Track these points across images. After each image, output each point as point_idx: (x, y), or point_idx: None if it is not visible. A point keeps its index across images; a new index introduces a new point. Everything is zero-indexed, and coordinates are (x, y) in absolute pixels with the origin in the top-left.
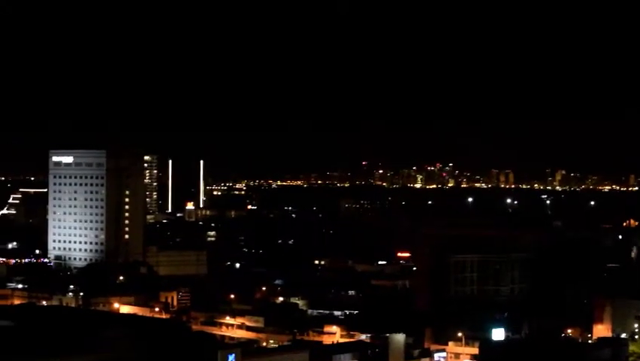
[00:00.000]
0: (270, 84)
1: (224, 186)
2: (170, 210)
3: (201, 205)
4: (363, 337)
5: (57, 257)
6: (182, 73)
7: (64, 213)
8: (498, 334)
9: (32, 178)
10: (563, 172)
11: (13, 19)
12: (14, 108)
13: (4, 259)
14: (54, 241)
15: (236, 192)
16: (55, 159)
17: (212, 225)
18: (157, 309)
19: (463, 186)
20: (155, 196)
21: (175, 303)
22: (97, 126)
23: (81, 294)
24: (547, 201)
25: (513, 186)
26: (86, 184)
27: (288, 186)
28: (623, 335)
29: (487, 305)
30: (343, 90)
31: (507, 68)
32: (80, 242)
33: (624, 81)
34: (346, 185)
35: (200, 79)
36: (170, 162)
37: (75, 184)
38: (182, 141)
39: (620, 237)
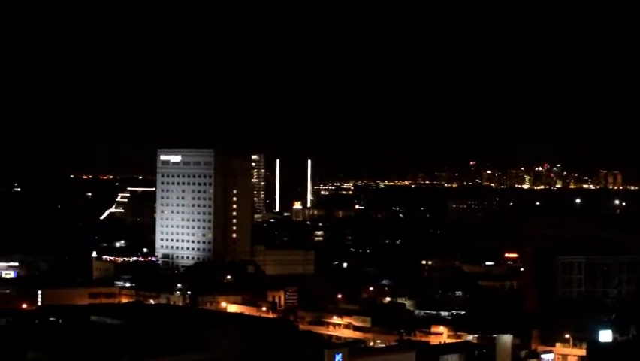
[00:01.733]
0: (379, 83)
1: (332, 185)
2: (277, 210)
3: (309, 205)
4: (470, 338)
5: (164, 256)
6: (290, 71)
7: (172, 212)
8: (605, 336)
9: (140, 177)
10: None
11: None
12: (123, 106)
13: (112, 258)
14: (162, 239)
15: (344, 192)
16: (163, 158)
17: (320, 224)
18: (264, 308)
19: (571, 187)
20: (262, 196)
21: (282, 302)
22: (206, 125)
23: (188, 293)
24: None
25: (621, 187)
26: (193, 183)
27: (396, 186)
28: None
29: (595, 307)
30: (442, 90)
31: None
32: (188, 241)
33: None
34: (454, 185)
35: (308, 77)
36: (278, 161)
37: (183, 183)
38: (291, 140)
39: None
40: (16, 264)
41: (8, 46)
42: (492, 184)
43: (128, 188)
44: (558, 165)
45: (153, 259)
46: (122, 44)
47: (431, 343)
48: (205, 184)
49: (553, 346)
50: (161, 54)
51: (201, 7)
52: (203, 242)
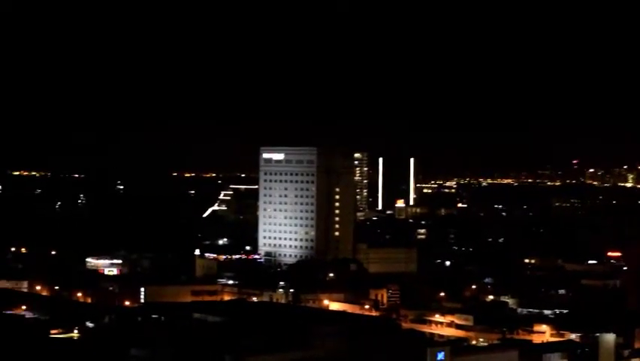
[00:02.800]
0: (479, 82)
1: (435, 183)
2: (380, 208)
3: (411, 203)
4: (572, 336)
5: (267, 253)
6: (392, 67)
7: (275, 210)
8: None
9: (243, 175)
10: None
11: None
12: (226, 105)
13: (215, 255)
14: (264, 237)
15: (447, 190)
16: (265, 155)
17: (422, 222)
18: (367, 306)
19: None
20: (365, 194)
21: (385, 300)
22: (308, 123)
23: (291, 290)
24: None
25: None
26: (296, 181)
27: (498, 184)
28: None
29: None
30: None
31: None
32: (290, 239)
33: None
34: (557, 183)
35: (412, 73)
36: (381, 159)
37: (285, 181)
38: (393, 138)
39: None
40: (120, 261)
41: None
42: (595, 183)
43: (231, 186)
44: None
45: (256, 256)
46: (212, 40)
47: (534, 341)
48: (308, 182)
49: None
50: (257, 52)
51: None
52: (306, 240)
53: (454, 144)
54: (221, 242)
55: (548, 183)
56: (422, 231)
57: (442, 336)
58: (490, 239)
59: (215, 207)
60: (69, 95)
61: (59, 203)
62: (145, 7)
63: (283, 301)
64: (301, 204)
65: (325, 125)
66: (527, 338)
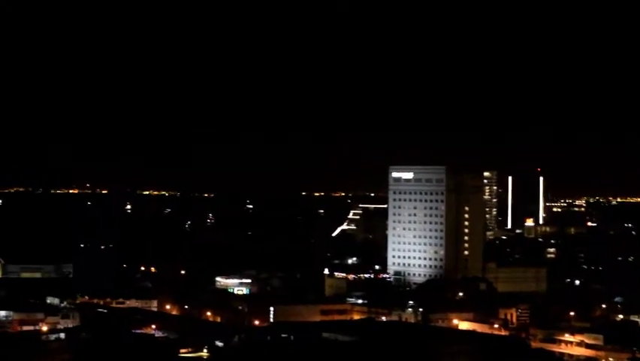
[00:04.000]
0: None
1: (564, 202)
2: (509, 227)
3: (541, 222)
4: None
5: (396, 273)
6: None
7: (404, 229)
8: None
9: (372, 194)
10: None
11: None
12: (355, 123)
13: (344, 274)
14: (393, 256)
15: (576, 209)
16: (395, 175)
17: (552, 241)
18: (496, 326)
19: None
20: (494, 212)
21: (514, 320)
22: (436, 142)
23: (420, 310)
24: None
25: None
26: (425, 200)
27: (629, 203)
28: None
29: None
30: None
31: None
32: (419, 258)
33: None
34: None
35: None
36: (510, 178)
37: (414, 200)
38: (522, 157)
39: None
40: (249, 281)
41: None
42: None
43: (360, 205)
44: None
45: (385, 275)
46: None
47: None
48: (437, 201)
49: None
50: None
51: None
52: (435, 259)
53: (584, 161)
54: (350, 261)
55: None
56: (551, 250)
57: (571, 356)
58: (619, 258)
59: (345, 226)
60: (196, 115)
61: (189, 222)
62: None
63: (412, 320)
64: (430, 223)
65: (455, 143)
66: None
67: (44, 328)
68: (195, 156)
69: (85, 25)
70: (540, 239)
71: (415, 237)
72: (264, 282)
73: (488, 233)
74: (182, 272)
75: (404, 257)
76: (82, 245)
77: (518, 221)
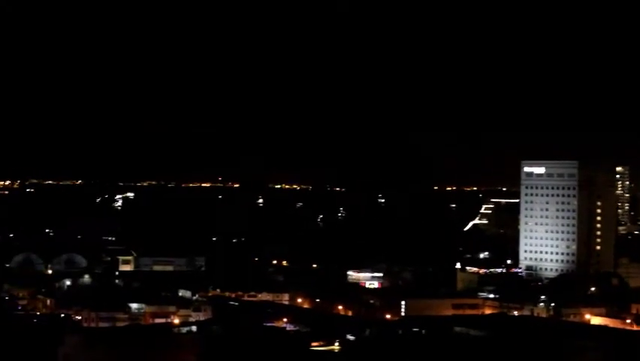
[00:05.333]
0: None
1: None
2: None
3: None
4: None
5: (528, 267)
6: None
7: (536, 224)
8: None
9: (504, 189)
10: None
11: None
12: (487, 117)
13: (475, 269)
14: (525, 251)
15: None
16: (526, 169)
17: None
18: (628, 321)
19: None
20: (626, 207)
21: None
22: (567, 135)
23: (552, 304)
24: None
25: None
26: (557, 195)
27: None
28: None
29: None
30: None
31: None
32: (551, 252)
33: None
34: None
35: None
36: None
37: (547, 195)
38: None
39: None
40: (381, 274)
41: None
42: None
43: (492, 200)
44: None
45: (517, 270)
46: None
47: None
48: (569, 196)
49: None
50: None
51: None
52: (567, 254)
53: None
54: (482, 255)
55: None
56: None
57: None
58: None
59: (477, 220)
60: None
61: (321, 216)
62: None
63: (544, 315)
64: (562, 217)
65: (588, 137)
66: None
67: (176, 321)
68: (327, 150)
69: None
70: None
71: (547, 231)
72: (395, 276)
73: (620, 228)
74: (314, 266)
75: (536, 252)
76: (214, 238)
77: None
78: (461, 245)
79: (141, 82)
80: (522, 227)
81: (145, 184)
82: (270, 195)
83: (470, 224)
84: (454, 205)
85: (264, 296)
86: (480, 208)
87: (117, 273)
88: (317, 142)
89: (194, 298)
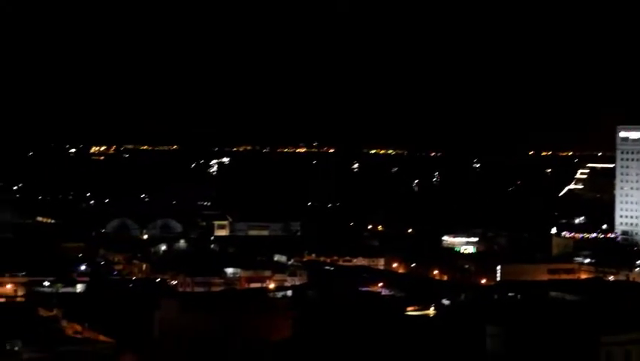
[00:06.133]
0: None
1: None
2: None
3: None
4: None
5: (624, 232)
6: None
7: (632, 189)
8: None
9: (599, 153)
10: None
11: None
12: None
13: (571, 234)
14: (621, 216)
15: None
16: (622, 134)
17: None
18: None
19: None
20: None
21: None
22: None
23: None
24: None
25: None
26: None
27: None
28: None
29: None
30: None
31: None
32: None
33: None
34: None
35: None
36: None
37: None
38: None
39: None
40: (476, 239)
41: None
42: None
43: (588, 165)
44: None
45: (612, 235)
46: None
47: None
48: None
49: None
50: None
51: None
52: None
53: None
54: (577, 221)
55: None
56: None
57: None
58: None
59: (572, 185)
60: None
61: (416, 181)
62: None
63: None
64: None
65: None
66: None
67: (271, 285)
68: (421, 113)
69: None
70: None
71: None
72: (490, 241)
73: None
74: (409, 230)
75: (632, 217)
76: (309, 203)
77: None
78: (556, 210)
79: (236, 45)
80: (617, 192)
81: (240, 149)
82: (366, 160)
83: (565, 189)
84: (549, 170)
85: (359, 261)
86: (575, 173)
87: (212, 238)
88: (413, 106)
89: (290, 262)
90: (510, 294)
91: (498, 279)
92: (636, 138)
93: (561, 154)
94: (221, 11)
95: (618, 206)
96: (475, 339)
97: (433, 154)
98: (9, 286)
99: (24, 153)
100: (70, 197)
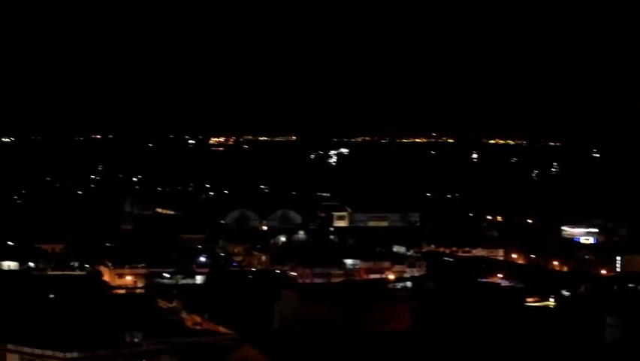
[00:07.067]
0: None
1: None
2: None
3: None
4: None
5: None
6: None
7: None
8: None
9: None
10: None
11: None
12: None
13: None
14: None
15: None
16: None
17: None
18: None
19: None
20: None
21: None
22: None
23: None
24: None
25: None
26: None
27: None
28: None
29: None
30: None
31: None
32: None
33: None
34: None
35: None
36: None
37: None
38: None
39: None
40: (596, 230)
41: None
42: None
43: None
44: None
45: None
46: None
47: None
48: None
49: None
50: None
51: None
52: None
53: None
54: None
55: None
56: None
57: None
58: None
59: None
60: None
61: (535, 172)
62: None
63: None
64: None
65: None
66: None
67: (391, 276)
68: (541, 104)
69: None
70: None
71: None
72: (611, 231)
73: None
74: (528, 221)
75: None
76: (428, 194)
77: None
78: None
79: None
80: None
81: (359, 140)
82: (485, 150)
83: None
84: None
85: (479, 252)
86: None
87: (332, 229)
88: (532, 95)
89: (409, 253)
90: (630, 285)
91: (618, 270)
92: None
93: None
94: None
95: None
96: (595, 330)
97: (552, 144)
98: (129, 278)
99: (144, 144)
100: (190, 188)
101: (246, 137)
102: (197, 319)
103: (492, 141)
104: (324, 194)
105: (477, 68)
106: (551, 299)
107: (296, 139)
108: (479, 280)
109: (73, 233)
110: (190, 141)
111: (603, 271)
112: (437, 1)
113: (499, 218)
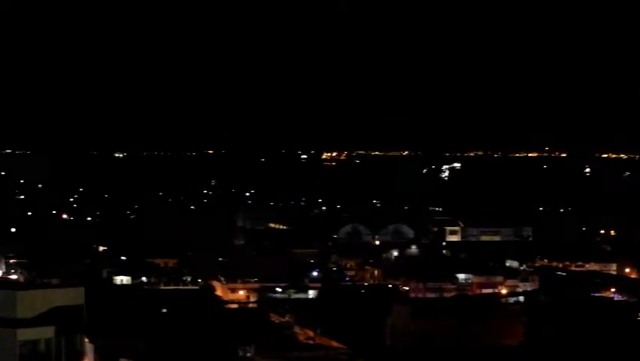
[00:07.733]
0: None
1: None
2: None
3: None
4: None
5: None
6: None
7: None
8: None
9: None
10: None
11: None
12: None
13: None
14: None
15: None
16: None
17: None
18: None
19: None
20: None
21: None
22: None
23: None
24: None
25: None
26: None
27: None
28: None
29: None
30: None
31: None
32: None
33: None
34: None
35: None
36: None
37: None
38: None
39: None
40: None
41: None
42: None
43: None
44: None
45: None
46: None
47: None
48: None
49: None
50: None
51: None
52: None
53: None
54: None
55: None
56: None
57: None
58: None
59: None
60: None
61: None
62: None
63: None
64: None
65: None
66: None
67: (503, 291)
68: None
69: None
70: None
71: None
72: None
73: None
74: None
75: None
76: (541, 208)
77: None
78: None
79: None
80: None
81: (471, 154)
82: (597, 164)
83: None
84: None
85: (592, 266)
86: None
87: (444, 243)
88: None
89: (522, 268)
90: None
91: None
92: None
93: None
94: None
95: None
96: None
97: None
98: (242, 293)
99: (256, 159)
100: (302, 203)
101: (358, 152)
102: (310, 333)
103: (604, 155)
104: (437, 208)
105: (589, 84)
106: None
107: (408, 153)
108: (592, 294)
109: (186, 248)
110: (303, 156)
111: None
112: None
113: (612, 232)
